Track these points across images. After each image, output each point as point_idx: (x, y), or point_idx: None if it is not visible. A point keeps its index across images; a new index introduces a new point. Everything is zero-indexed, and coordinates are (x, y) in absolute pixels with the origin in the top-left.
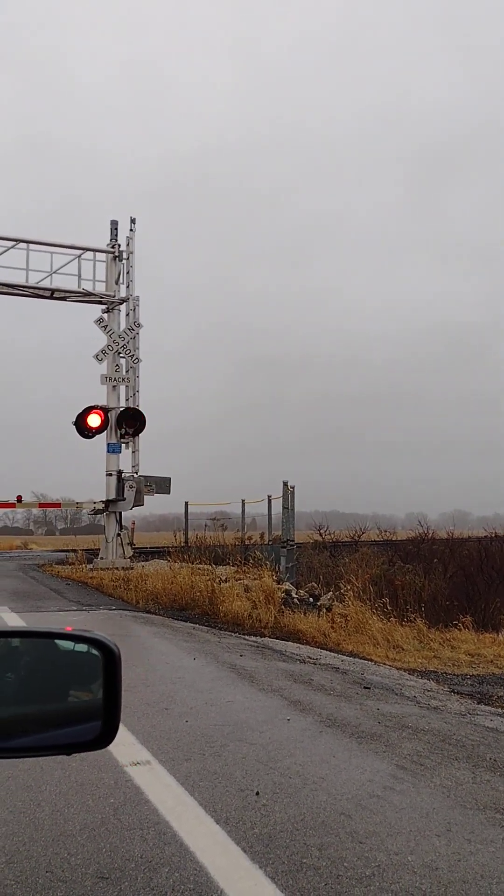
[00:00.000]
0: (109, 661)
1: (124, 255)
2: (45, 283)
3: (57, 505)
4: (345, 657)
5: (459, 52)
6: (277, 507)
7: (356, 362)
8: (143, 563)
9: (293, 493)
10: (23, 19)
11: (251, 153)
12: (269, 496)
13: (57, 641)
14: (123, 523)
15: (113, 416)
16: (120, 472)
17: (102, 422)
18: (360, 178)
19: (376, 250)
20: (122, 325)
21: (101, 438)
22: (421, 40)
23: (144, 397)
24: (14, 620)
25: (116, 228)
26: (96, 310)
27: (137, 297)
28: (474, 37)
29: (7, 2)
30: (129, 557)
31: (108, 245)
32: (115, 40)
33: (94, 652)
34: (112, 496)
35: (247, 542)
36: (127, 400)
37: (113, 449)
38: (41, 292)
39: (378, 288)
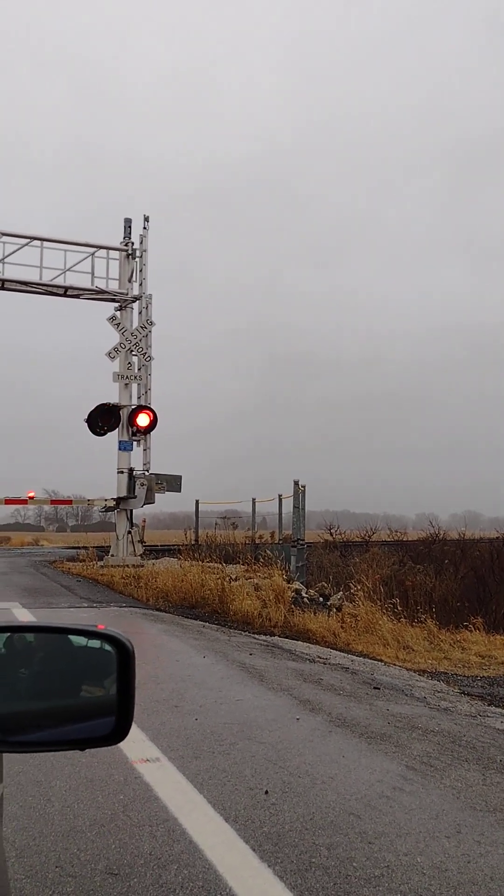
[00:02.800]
0: (123, 657)
1: (137, 254)
2: (59, 281)
3: (68, 502)
4: (355, 657)
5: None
6: (288, 506)
7: (379, 362)
8: (153, 561)
9: (304, 492)
10: (73, 26)
11: (297, 154)
12: (279, 495)
13: (70, 637)
14: (134, 521)
15: (125, 413)
16: (131, 470)
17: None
18: (402, 176)
19: (411, 249)
20: (135, 323)
21: (113, 436)
22: (468, 39)
23: (172, 395)
24: (25, 616)
25: (130, 227)
26: (109, 308)
27: (150, 294)
28: None
29: (59, 9)
30: (140, 555)
31: (121, 243)
32: (164, 46)
33: (108, 648)
34: (123, 494)
35: (257, 541)
36: (139, 398)
37: (124, 447)
38: (55, 290)
39: (408, 288)
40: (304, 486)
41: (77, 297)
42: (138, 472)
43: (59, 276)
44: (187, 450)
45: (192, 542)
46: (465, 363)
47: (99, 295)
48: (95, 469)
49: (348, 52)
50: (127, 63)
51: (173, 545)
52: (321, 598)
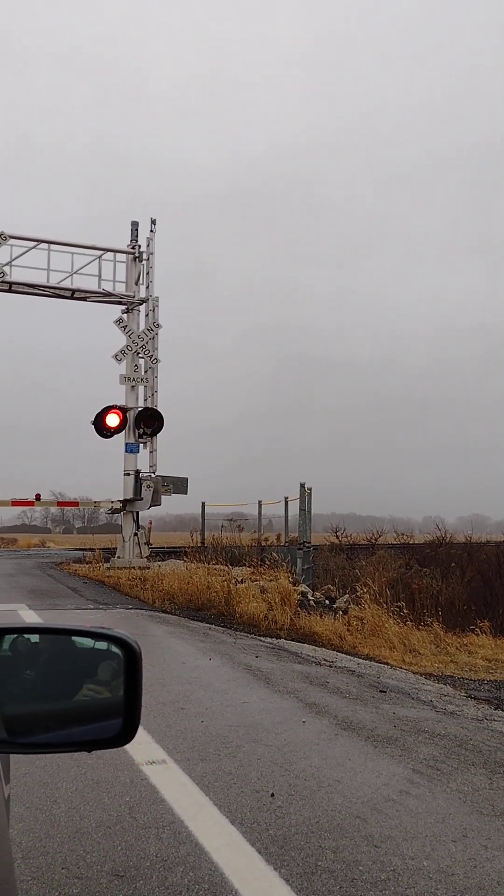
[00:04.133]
0: (131, 659)
1: (144, 256)
2: (66, 284)
3: (75, 504)
4: (361, 660)
5: None
6: (294, 508)
7: (393, 364)
8: (159, 563)
9: (310, 494)
10: (97, 31)
11: (315, 155)
12: (285, 498)
13: (76, 638)
14: (140, 523)
15: (131, 416)
16: (138, 472)
17: (121, 422)
18: (421, 177)
19: (428, 250)
20: (142, 326)
21: (120, 438)
22: (487, 40)
23: (184, 396)
24: (32, 618)
25: (137, 229)
26: (116, 310)
27: (157, 297)
28: None
29: (84, 15)
30: (146, 557)
31: (128, 246)
32: (183, 48)
33: (115, 650)
34: (130, 496)
35: (263, 544)
36: (145, 400)
37: (131, 449)
38: (62, 292)
39: (424, 290)
40: (310, 489)
41: (84, 299)
42: (145, 475)
43: (66, 278)
44: (197, 451)
45: (199, 545)
46: (477, 365)
47: (106, 298)
48: (102, 471)
49: (367, 52)
50: (146, 65)
51: (179, 547)
52: (327, 601)
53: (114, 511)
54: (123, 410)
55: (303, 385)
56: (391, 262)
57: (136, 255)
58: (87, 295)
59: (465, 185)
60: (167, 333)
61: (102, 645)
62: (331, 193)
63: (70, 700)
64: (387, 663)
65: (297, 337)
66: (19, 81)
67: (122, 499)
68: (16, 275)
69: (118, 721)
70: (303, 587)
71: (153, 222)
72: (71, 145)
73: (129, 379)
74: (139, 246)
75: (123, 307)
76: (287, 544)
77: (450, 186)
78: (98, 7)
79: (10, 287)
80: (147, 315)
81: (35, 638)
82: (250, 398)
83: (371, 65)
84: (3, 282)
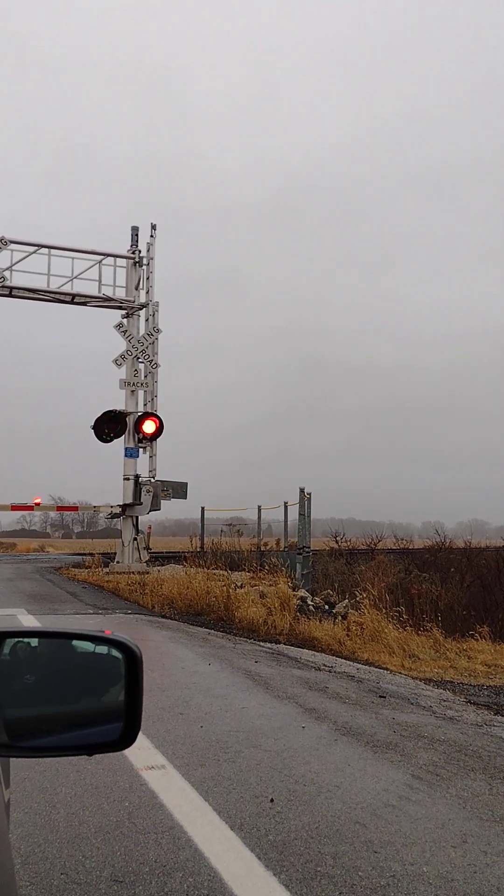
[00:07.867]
0: (131, 662)
1: (144, 261)
2: (66, 288)
3: (74, 508)
4: (360, 665)
5: None
6: (294, 513)
7: (407, 370)
8: (158, 568)
9: (310, 499)
10: (137, 39)
11: (350, 160)
12: (285, 503)
13: (76, 643)
14: (140, 527)
15: (131, 420)
16: (137, 477)
17: (121, 426)
18: (454, 183)
19: (459, 255)
20: (142, 331)
21: (119, 443)
22: None
23: (195, 397)
24: (31, 623)
25: (137, 234)
26: (117, 314)
27: (157, 302)
28: None
29: (131, 26)
30: (146, 562)
31: (128, 251)
32: (224, 55)
33: (116, 653)
34: (129, 500)
35: (262, 549)
36: (145, 405)
37: (130, 453)
38: (62, 297)
39: (450, 295)
40: (309, 494)
41: (84, 304)
42: (144, 479)
43: (66, 283)
44: (206, 454)
45: (198, 549)
46: (489, 370)
47: (105, 302)
48: (101, 476)
49: (404, 59)
50: (185, 73)
51: (179, 552)
52: (326, 606)
53: (113, 516)
54: (123, 415)
55: (316, 390)
56: (420, 266)
57: (137, 259)
58: (88, 300)
59: (500, 189)
60: (192, 336)
61: (103, 649)
62: (365, 198)
63: (71, 704)
64: (386, 668)
65: (318, 341)
66: (60, 90)
67: (121, 503)
68: (16, 279)
69: (119, 725)
70: (302, 592)
71: (153, 227)
72: (110, 152)
73: (128, 384)
74: (139, 251)
75: (124, 312)
76: (286, 549)
77: (484, 190)
78: (139, 17)
79: (11, 292)
80: (147, 320)
81: (35, 642)
82: (265, 401)
83: (410, 71)
84: (3, 287)
